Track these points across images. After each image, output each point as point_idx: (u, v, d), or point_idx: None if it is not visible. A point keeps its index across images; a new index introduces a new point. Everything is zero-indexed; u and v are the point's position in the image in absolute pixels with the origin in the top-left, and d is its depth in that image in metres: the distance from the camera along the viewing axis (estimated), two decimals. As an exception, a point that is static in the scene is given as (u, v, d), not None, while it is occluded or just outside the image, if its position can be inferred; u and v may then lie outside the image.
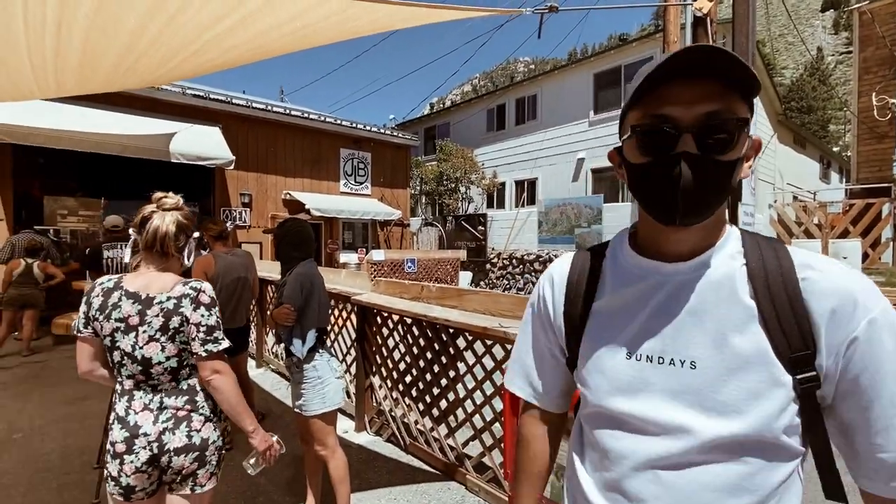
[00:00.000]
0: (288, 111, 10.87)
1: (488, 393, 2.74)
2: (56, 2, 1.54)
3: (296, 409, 2.33)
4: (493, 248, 13.84)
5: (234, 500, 2.68)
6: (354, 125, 11.91)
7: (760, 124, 12.95)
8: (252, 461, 1.69)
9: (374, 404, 3.60)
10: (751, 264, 0.69)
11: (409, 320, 3.24)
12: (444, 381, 3.05)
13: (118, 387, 1.52)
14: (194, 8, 1.73)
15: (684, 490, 0.67)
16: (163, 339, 1.47)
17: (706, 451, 0.66)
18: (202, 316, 1.50)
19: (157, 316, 1.47)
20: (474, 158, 15.72)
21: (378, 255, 10.00)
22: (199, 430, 1.51)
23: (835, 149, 27.35)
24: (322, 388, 2.24)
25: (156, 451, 1.45)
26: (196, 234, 1.68)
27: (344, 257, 11.46)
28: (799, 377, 0.63)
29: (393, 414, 3.35)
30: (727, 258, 0.70)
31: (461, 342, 2.91)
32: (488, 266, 13.40)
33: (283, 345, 2.32)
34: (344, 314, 4.10)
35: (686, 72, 0.63)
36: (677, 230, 0.69)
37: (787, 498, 0.67)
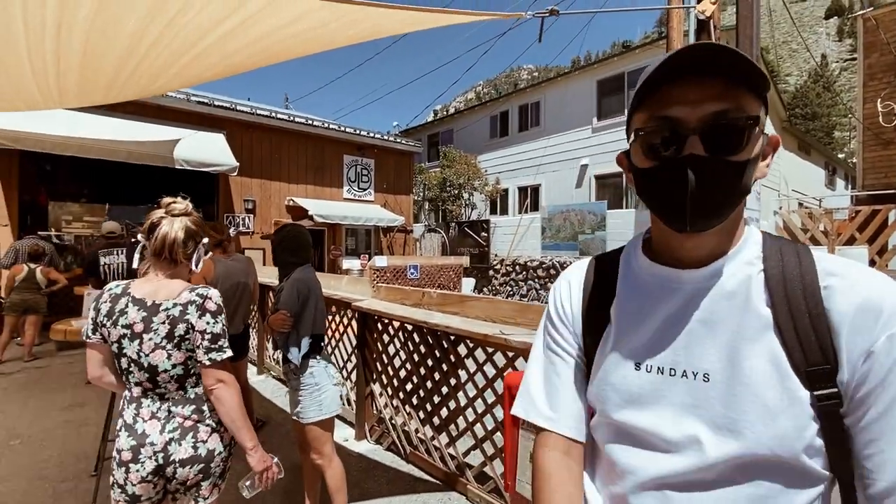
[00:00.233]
0: (292, 118, 10.94)
1: (490, 401, 2.69)
2: (56, 3, 1.54)
3: (293, 417, 2.30)
4: (496, 255, 13.81)
5: (230, 510, 2.63)
6: (358, 132, 11.97)
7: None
8: (248, 483, 1.60)
9: (375, 412, 3.55)
10: (769, 270, 0.65)
11: (409, 327, 3.21)
12: (444, 389, 3.00)
13: (127, 393, 1.51)
14: (194, 10, 1.72)
15: None
16: (169, 346, 1.45)
17: (717, 471, 0.61)
18: (207, 323, 1.48)
19: (163, 323, 1.45)
20: (477, 165, 15.73)
21: (381, 261, 9.98)
22: (205, 441, 1.49)
23: (840, 155, 27.27)
24: (319, 395, 2.20)
25: (161, 461, 1.43)
26: (206, 240, 1.66)
27: (347, 263, 11.45)
28: (816, 393, 0.58)
29: (393, 422, 3.31)
30: (743, 264, 0.66)
31: (462, 349, 2.87)
32: (491, 272, 13.36)
33: (280, 351, 2.29)
34: (345, 321, 4.07)
35: (691, 70, 0.60)
36: (689, 236, 0.65)
37: None
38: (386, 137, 12.83)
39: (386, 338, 3.44)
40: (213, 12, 1.78)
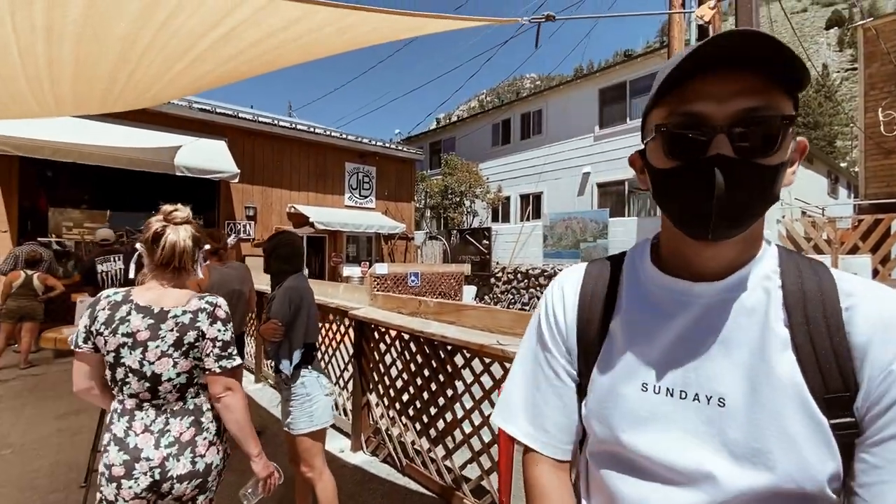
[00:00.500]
0: (294, 125, 10.98)
1: (486, 413, 2.63)
2: (43, 5, 1.52)
3: (285, 428, 2.24)
4: (497, 263, 13.77)
5: (221, 523, 2.57)
6: (360, 139, 11.99)
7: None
8: (250, 490, 1.60)
9: (371, 422, 3.49)
10: (787, 287, 0.59)
11: (406, 336, 3.15)
12: (441, 400, 2.94)
13: (118, 406, 1.45)
14: (186, 13, 1.70)
15: None
16: (176, 354, 1.41)
17: None
18: (218, 331, 1.47)
19: (172, 330, 1.41)
20: (479, 172, 15.75)
21: (381, 268, 9.95)
22: (203, 456, 1.45)
23: (842, 164, 27.22)
24: (310, 406, 2.15)
25: (157, 477, 1.38)
26: (207, 246, 1.64)
27: (347, 271, 11.43)
28: (833, 422, 0.53)
29: (389, 433, 3.25)
30: (761, 278, 0.61)
31: (459, 360, 2.81)
32: (493, 280, 13.31)
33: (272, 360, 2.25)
34: (342, 329, 4.03)
35: (718, 62, 0.53)
36: (708, 245, 0.59)
37: None
38: (388, 145, 12.86)
39: (383, 347, 3.39)
40: (206, 16, 1.77)
